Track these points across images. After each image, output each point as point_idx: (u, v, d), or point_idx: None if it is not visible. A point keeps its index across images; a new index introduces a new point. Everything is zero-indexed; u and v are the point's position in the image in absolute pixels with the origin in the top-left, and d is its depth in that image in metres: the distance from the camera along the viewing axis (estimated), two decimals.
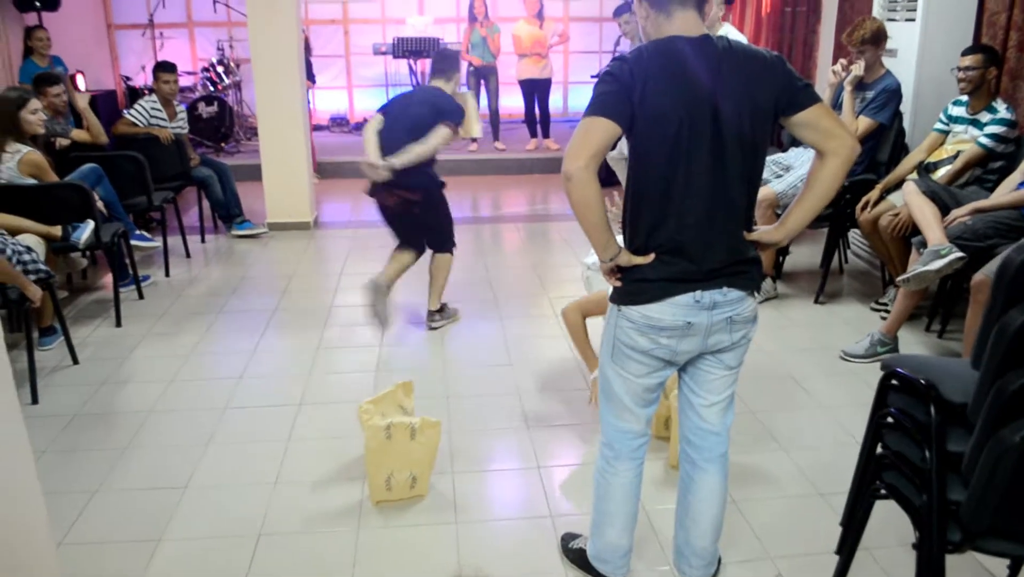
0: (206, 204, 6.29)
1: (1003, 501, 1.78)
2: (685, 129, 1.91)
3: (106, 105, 7.72)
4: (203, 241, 6.19)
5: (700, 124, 1.91)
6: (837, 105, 4.62)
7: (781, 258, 5.05)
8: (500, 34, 8.48)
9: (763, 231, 2.14)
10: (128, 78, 9.35)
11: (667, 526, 2.53)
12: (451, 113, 4.16)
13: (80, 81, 7.61)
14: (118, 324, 4.52)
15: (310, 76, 8.13)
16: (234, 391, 3.74)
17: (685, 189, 1.95)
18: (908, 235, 4.06)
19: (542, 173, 8.35)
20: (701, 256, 1.99)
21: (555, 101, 9.99)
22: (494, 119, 8.86)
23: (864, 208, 4.40)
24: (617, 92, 1.91)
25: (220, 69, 9.19)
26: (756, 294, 2.13)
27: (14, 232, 3.96)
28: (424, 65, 9.50)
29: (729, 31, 4.61)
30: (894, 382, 2.26)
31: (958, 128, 4.24)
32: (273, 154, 6.32)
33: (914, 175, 4.32)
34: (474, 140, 8.78)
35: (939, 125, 4.36)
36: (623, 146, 3.06)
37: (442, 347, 4.21)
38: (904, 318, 3.96)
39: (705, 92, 1.90)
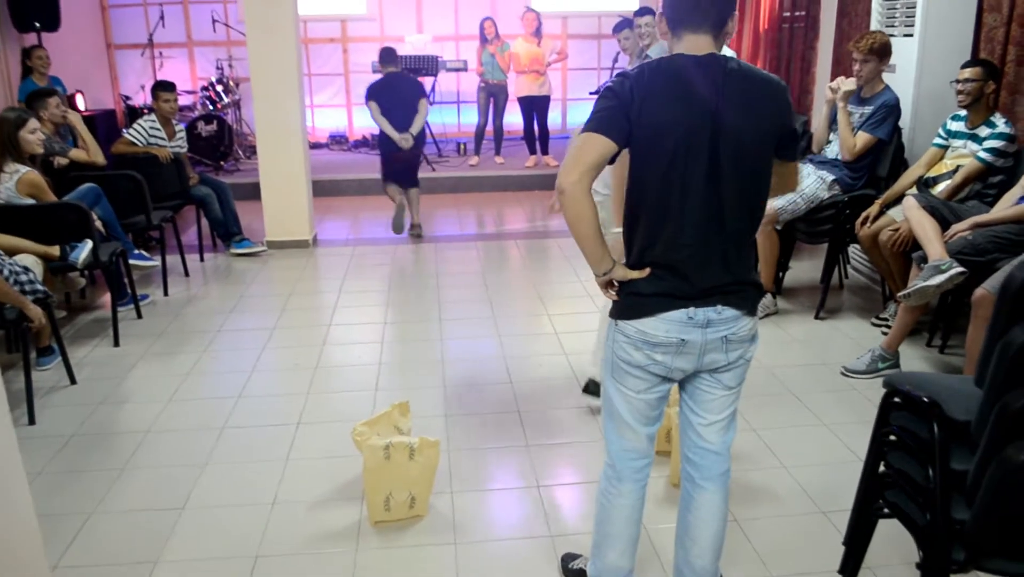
0: (205, 223, 6.28)
1: (1007, 521, 1.77)
2: (682, 148, 1.90)
3: (105, 125, 7.73)
4: (202, 260, 6.18)
5: (698, 144, 1.90)
6: (834, 120, 4.63)
7: (781, 273, 5.04)
8: (510, 51, 8.58)
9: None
10: (128, 97, 9.37)
11: (668, 546, 2.49)
12: (424, 91, 6.71)
13: (80, 101, 7.64)
14: (116, 344, 4.50)
15: None
16: (232, 411, 3.71)
17: (680, 208, 1.94)
18: (908, 250, 4.05)
19: (541, 190, 8.34)
20: (695, 275, 1.98)
21: (554, 118, 10.01)
22: (498, 135, 8.94)
23: (864, 223, 4.39)
24: (615, 109, 1.91)
25: (219, 88, 9.21)
26: (755, 315, 2.11)
27: (12, 252, 3.95)
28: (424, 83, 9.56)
29: (724, 51, 4.61)
30: (896, 400, 2.24)
31: (957, 143, 4.24)
32: (272, 172, 6.32)
33: (914, 190, 4.32)
34: (476, 155, 9.02)
35: (938, 140, 4.35)
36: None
37: (442, 365, 4.19)
38: (905, 333, 3.94)
39: (706, 112, 1.89)
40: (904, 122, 4.69)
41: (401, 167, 6.67)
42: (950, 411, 2.01)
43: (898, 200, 4.29)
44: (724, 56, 1.96)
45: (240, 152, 9.20)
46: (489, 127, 8.91)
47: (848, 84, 4.51)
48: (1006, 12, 4.28)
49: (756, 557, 2.64)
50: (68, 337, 4.59)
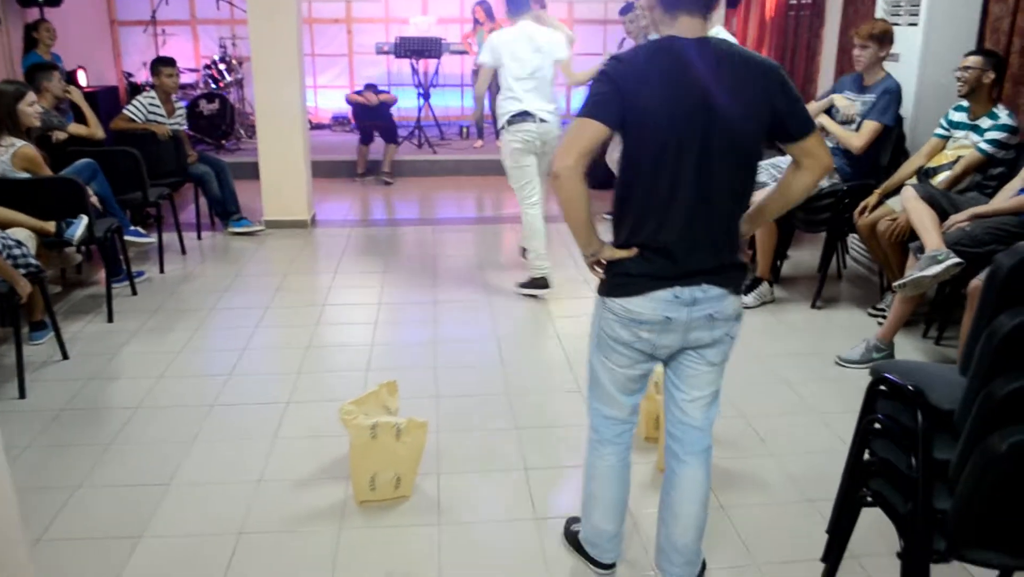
0: (203, 201, 6.27)
1: (989, 511, 1.75)
2: (673, 131, 1.90)
3: (107, 101, 7.70)
4: (199, 238, 6.17)
5: (690, 127, 1.90)
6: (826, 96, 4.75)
7: (779, 262, 5.02)
8: None
9: None
10: (130, 74, 9.34)
11: (653, 529, 2.50)
12: None
13: (82, 77, 7.61)
14: (110, 320, 4.49)
15: None
16: (223, 388, 3.71)
17: (670, 191, 1.95)
18: (906, 240, 4.02)
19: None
20: (682, 258, 2.00)
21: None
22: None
23: (862, 212, 4.37)
24: (608, 93, 1.92)
25: (222, 66, 9.16)
26: (739, 294, 2.13)
27: (6, 225, 3.94)
28: (427, 65, 9.49)
29: (720, 33, 4.60)
30: (883, 388, 2.22)
31: (959, 133, 4.20)
32: (271, 152, 6.29)
33: (913, 180, 4.29)
34: (480, 138, 9.08)
35: (939, 130, 4.31)
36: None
37: (433, 346, 4.18)
38: (900, 324, 3.92)
39: (699, 96, 1.89)
40: (906, 112, 4.66)
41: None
42: (935, 399, 2.00)
43: (897, 190, 4.25)
44: (718, 39, 1.95)
45: (242, 131, 9.16)
46: (487, 112, 8.80)
47: (846, 108, 4.55)
48: (1012, 2, 4.24)
49: (740, 543, 2.63)
50: (62, 312, 4.59)
